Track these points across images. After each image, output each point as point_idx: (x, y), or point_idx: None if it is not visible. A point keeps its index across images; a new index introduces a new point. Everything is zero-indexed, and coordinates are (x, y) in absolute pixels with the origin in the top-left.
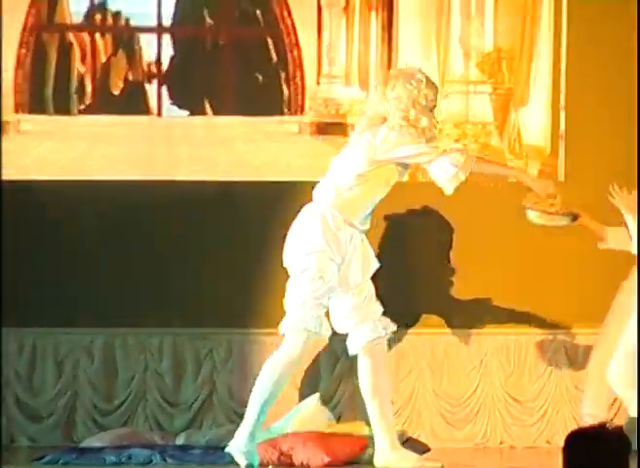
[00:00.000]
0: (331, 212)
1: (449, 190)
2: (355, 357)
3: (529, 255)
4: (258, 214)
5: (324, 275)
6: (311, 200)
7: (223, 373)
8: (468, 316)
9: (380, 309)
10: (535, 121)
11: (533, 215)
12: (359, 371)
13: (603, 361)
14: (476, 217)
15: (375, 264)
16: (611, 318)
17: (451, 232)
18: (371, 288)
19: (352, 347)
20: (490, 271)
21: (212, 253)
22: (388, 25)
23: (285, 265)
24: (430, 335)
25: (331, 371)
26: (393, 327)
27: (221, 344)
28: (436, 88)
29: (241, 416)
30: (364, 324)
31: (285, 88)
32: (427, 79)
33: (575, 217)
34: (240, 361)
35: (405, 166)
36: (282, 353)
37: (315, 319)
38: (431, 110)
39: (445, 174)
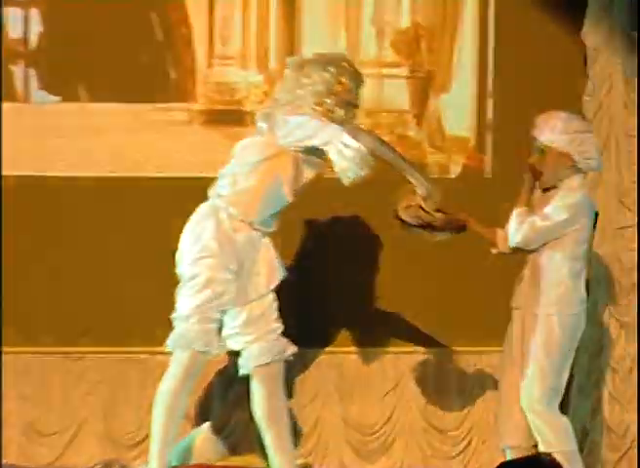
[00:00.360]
0: (227, 210)
1: (345, 182)
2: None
3: (450, 268)
4: (139, 214)
5: (214, 284)
6: (203, 200)
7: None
8: (382, 333)
9: (280, 327)
10: (458, 109)
11: (406, 220)
12: (253, 397)
13: (514, 383)
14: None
15: (279, 274)
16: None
17: (366, 242)
18: (272, 301)
19: (243, 367)
20: (408, 284)
21: (84, 259)
22: (290, 0)
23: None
24: (339, 355)
25: (224, 397)
26: (292, 349)
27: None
28: (361, 82)
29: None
30: (258, 343)
31: (171, 71)
32: (353, 70)
33: (460, 227)
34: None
35: (309, 160)
36: (169, 375)
37: (201, 335)
38: (352, 106)
39: (343, 161)
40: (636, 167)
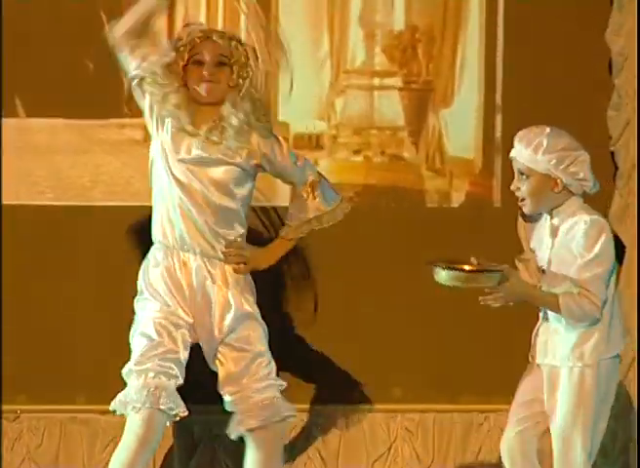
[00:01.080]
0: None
1: None
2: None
3: (452, 312)
4: (87, 246)
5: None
6: None
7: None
8: (373, 387)
9: (274, 384)
10: (461, 126)
11: (445, 276)
12: (246, 461)
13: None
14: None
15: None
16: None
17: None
18: (262, 348)
19: (233, 430)
20: (405, 330)
21: (27, 296)
22: None
23: None
24: (322, 414)
25: (186, 463)
26: (290, 411)
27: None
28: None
29: None
30: (249, 401)
31: (125, 80)
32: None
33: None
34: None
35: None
36: (120, 444)
37: (141, 390)
38: None
39: None
40: (636, 167)
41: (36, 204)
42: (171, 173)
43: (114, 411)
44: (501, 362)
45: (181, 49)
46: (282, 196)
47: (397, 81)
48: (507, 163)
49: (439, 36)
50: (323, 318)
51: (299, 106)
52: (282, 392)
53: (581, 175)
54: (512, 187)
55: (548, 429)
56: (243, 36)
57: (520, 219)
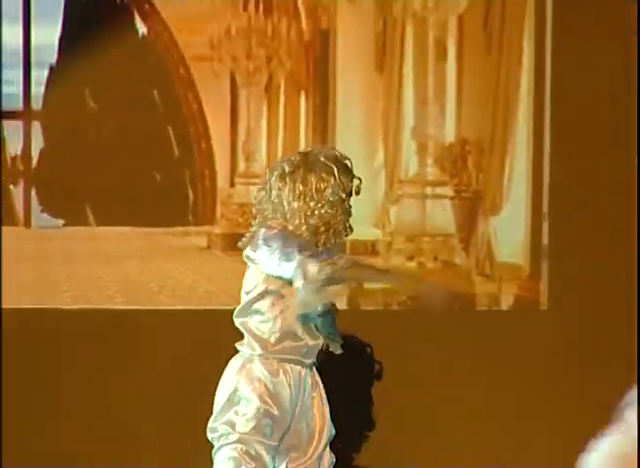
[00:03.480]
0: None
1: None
2: None
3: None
4: (155, 350)
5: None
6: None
7: None
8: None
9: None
10: (510, 233)
11: None
12: None
13: None
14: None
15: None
16: None
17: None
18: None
19: None
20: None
21: (97, 396)
22: (322, 110)
23: None
24: None
25: None
26: None
27: None
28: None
29: None
30: None
31: (190, 190)
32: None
33: None
34: None
35: None
36: None
37: None
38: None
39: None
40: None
41: (106, 308)
42: None
43: None
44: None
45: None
46: None
47: (448, 190)
48: (554, 268)
49: (488, 148)
50: (377, 417)
51: (355, 214)
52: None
53: None
54: None
55: None
56: None
57: None
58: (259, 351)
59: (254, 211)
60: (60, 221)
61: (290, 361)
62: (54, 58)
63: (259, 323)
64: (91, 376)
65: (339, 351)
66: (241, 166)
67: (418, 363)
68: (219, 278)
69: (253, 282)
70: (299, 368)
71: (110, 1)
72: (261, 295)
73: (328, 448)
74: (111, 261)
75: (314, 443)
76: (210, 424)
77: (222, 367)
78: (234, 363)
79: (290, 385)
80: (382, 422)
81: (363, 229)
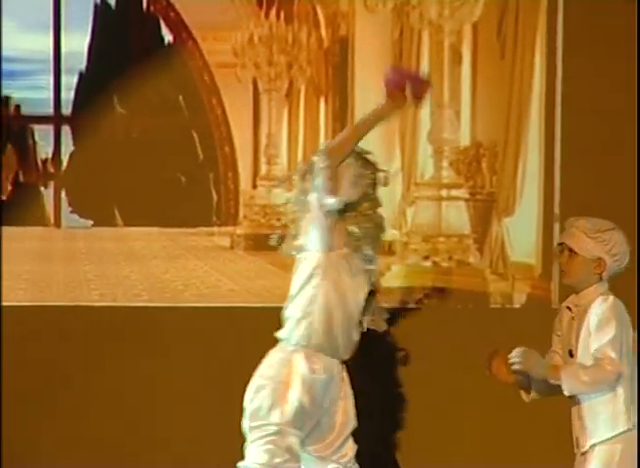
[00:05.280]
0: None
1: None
2: None
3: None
4: (179, 346)
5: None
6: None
7: None
8: None
9: None
10: (523, 234)
11: None
12: None
13: None
14: None
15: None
16: None
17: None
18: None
19: None
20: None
21: (124, 393)
22: (341, 115)
23: None
24: None
25: None
26: None
27: None
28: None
29: None
30: None
31: (214, 192)
32: None
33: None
34: None
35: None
36: None
37: None
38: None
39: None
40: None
41: (133, 305)
42: None
43: None
44: None
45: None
46: None
47: (463, 192)
48: None
49: (501, 151)
50: (388, 412)
51: None
52: None
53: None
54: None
55: None
56: None
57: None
58: (300, 343)
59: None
60: (89, 222)
61: (327, 355)
62: (83, 65)
63: (301, 317)
64: (117, 372)
65: (383, 328)
66: (263, 169)
67: (432, 359)
68: (241, 277)
69: (300, 277)
70: (335, 362)
71: (138, 10)
72: (306, 291)
73: (350, 440)
74: (138, 260)
75: (335, 434)
76: (247, 414)
77: (245, 362)
78: (275, 354)
79: (325, 380)
80: (398, 418)
81: None
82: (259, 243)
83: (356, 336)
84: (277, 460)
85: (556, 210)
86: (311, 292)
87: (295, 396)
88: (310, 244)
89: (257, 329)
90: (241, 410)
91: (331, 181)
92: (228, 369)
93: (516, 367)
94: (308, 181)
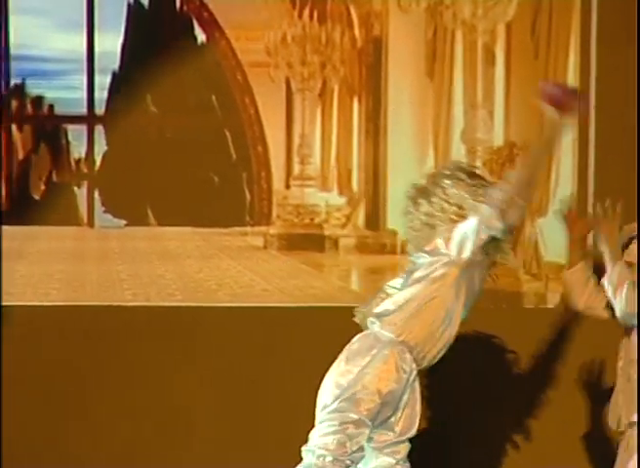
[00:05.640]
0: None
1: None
2: None
3: None
4: (213, 345)
5: None
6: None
7: None
8: None
9: None
10: (556, 234)
11: None
12: None
13: None
14: None
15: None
16: None
17: None
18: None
19: None
20: None
21: (157, 392)
22: (375, 115)
23: None
24: None
25: None
26: None
27: None
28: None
29: None
30: None
31: (247, 192)
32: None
33: None
34: None
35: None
36: None
37: None
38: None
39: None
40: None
41: (166, 305)
42: None
43: None
44: None
45: None
46: None
47: None
48: (598, 268)
49: None
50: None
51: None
52: None
53: None
54: None
55: None
56: None
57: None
58: (400, 339)
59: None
60: (122, 222)
61: (413, 358)
62: (116, 65)
63: (413, 315)
64: (151, 371)
65: (511, 261)
66: (296, 168)
67: (466, 359)
68: (274, 277)
69: (424, 277)
70: (415, 367)
71: (171, 10)
72: (427, 292)
73: (407, 441)
74: (171, 260)
75: (396, 435)
76: (328, 396)
77: (278, 362)
78: (367, 342)
79: (405, 380)
80: (428, 417)
81: None
82: (292, 243)
83: (440, 355)
84: (346, 449)
85: (590, 210)
86: (432, 295)
87: (381, 388)
88: (443, 249)
89: (290, 328)
90: (274, 409)
91: (507, 210)
92: (261, 368)
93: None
94: (423, 205)
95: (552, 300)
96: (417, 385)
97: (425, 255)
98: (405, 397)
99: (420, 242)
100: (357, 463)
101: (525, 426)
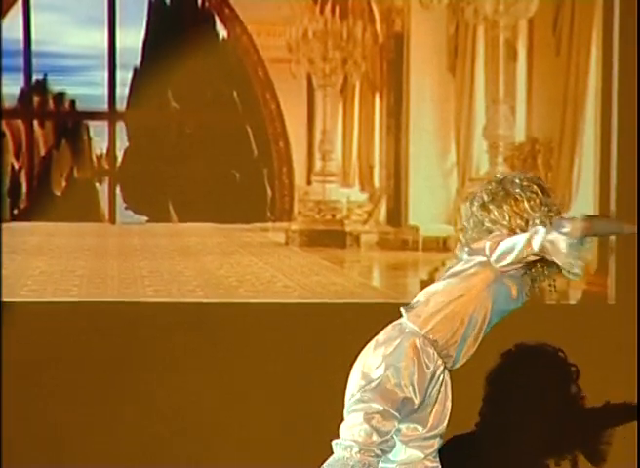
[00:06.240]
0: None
1: (574, 277)
2: None
3: None
4: (233, 342)
5: None
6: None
7: None
8: None
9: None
10: None
11: None
12: None
13: None
14: None
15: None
16: None
17: None
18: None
19: None
20: None
21: (178, 389)
22: (396, 111)
23: None
24: None
25: None
26: None
27: None
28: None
29: None
30: None
31: (268, 188)
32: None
33: None
34: None
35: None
36: None
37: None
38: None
39: (561, 257)
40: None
41: (187, 301)
42: None
43: None
44: None
45: None
46: None
47: None
48: (621, 263)
49: (557, 147)
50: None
51: (428, 211)
52: None
53: None
54: None
55: None
56: None
57: None
58: (424, 334)
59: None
60: (144, 218)
61: (437, 353)
62: (138, 61)
63: (441, 310)
64: (172, 368)
65: (578, 274)
66: (317, 164)
67: (487, 355)
68: (296, 273)
69: (462, 276)
70: (441, 361)
71: (192, 6)
72: (460, 291)
73: (439, 437)
74: (192, 256)
75: (426, 429)
76: (355, 386)
77: (299, 357)
78: (393, 332)
79: (430, 373)
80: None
81: (435, 226)
82: (313, 239)
83: (463, 359)
84: (372, 440)
85: (612, 206)
86: (460, 293)
87: (401, 381)
88: (487, 251)
89: (311, 324)
90: (296, 405)
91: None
92: (282, 364)
93: None
94: (492, 211)
95: (574, 297)
96: (447, 381)
97: (469, 252)
98: (433, 392)
99: (471, 241)
100: (388, 453)
101: (546, 424)
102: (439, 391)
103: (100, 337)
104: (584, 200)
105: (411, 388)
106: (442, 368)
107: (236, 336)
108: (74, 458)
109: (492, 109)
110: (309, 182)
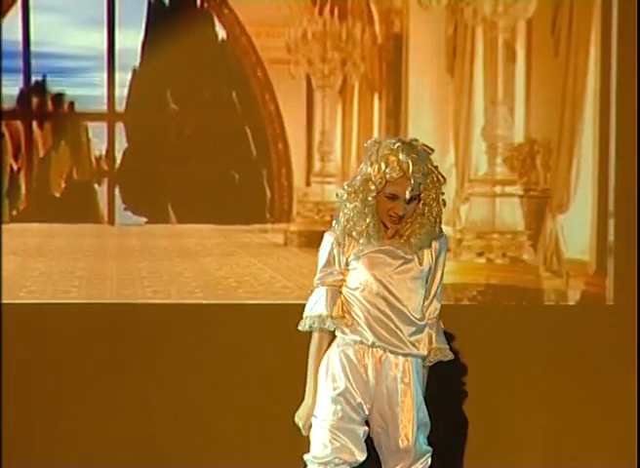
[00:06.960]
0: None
1: None
2: None
3: None
4: (232, 343)
5: None
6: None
7: None
8: None
9: None
10: (577, 230)
11: None
12: None
13: None
14: None
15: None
16: None
17: None
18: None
19: None
20: None
21: (177, 390)
22: (395, 112)
23: None
24: None
25: None
26: None
27: None
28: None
29: None
30: None
31: (267, 189)
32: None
33: None
34: None
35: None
36: None
37: None
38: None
39: None
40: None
41: (186, 302)
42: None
43: None
44: None
45: (378, 180)
46: None
47: (517, 189)
48: (620, 264)
49: (556, 148)
50: (449, 409)
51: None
52: None
53: None
54: None
55: None
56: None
57: None
58: (340, 334)
59: None
60: (143, 219)
61: (363, 344)
62: (137, 62)
63: (343, 309)
64: (171, 368)
65: (450, 358)
66: (316, 165)
67: (486, 356)
68: (295, 274)
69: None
70: (380, 353)
71: (191, 7)
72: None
73: (422, 438)
74: (191, 258)
75: (400, 427)
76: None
77: (298, 359)
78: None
79: (364, 367)
80: (452, 415)
81: None
82: (312, 240)
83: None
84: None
85: (610, 206)
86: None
87: (331, 382)
88: None
89: None
90: (291, 405)
91: None
92: (281, 365)
93: None
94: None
95: (573, 298)
96: (402, 369)
97: None
98: (382, 383)
99: None
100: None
101: (543, 423)
102: (397, 381)
103: (100, 338)
104: (583, 201)
105: (343, 379)
106: (385, 356)
107: (235, 337)
108: (74, 458)
109: (490, 110)
110: (308, 183)
